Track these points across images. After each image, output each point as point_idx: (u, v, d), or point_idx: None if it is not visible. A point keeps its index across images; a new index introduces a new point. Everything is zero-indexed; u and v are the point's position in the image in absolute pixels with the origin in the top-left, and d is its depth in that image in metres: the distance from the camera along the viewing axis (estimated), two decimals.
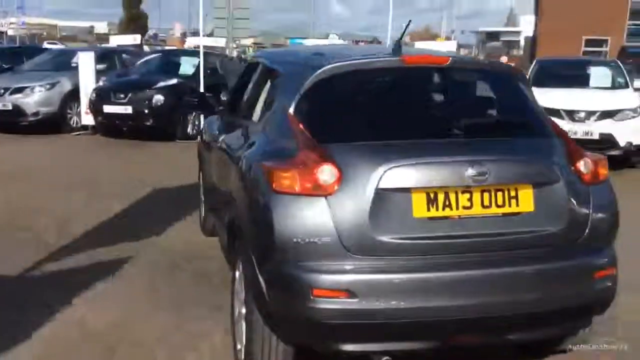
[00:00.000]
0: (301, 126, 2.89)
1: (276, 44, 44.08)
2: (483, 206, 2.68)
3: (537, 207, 2.72)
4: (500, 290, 2.64)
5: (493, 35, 60.99)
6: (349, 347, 2.64)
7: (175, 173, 7.97)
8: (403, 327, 2.57)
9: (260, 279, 2.75)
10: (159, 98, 11.02)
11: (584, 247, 2.80)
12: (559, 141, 2.96)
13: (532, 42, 36.12)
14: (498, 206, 2.69)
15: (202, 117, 11.21)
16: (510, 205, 2.70)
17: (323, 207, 2.61)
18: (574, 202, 2.80)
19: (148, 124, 11.03)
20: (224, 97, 4.83)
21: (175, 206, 6.44)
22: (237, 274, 3.31)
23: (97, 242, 5.24)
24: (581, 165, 2.86)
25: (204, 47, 12.70)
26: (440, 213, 2.64)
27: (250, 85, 4.08)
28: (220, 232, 3.99)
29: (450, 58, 3.10)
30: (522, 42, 48.75)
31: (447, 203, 2.64)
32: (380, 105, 3.02)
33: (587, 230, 2.80)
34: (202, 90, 11.29)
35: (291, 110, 3.01)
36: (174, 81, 11.50)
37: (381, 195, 2.60)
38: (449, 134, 2.83)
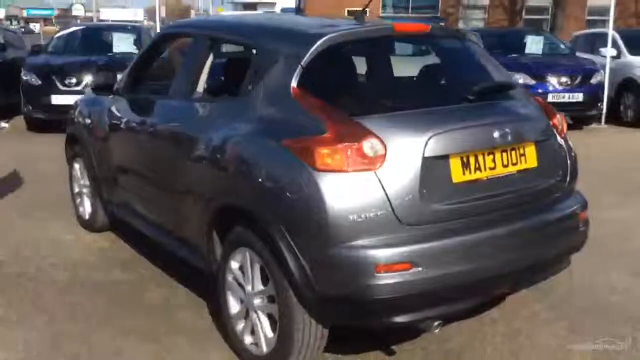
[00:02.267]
0: (314, 100, 2.75)
1: None
2: (503, 165, 2.85)
3: (539, 162, 2.98)
4: (529, 241, 2.85)
5: (250, 6, 62.27)
6: (402, 319, 2.64)
7: None
8: (458, 289, 2.64)
9: (304, 263, 2.59)
10: None
11: (570, 194, 3.15)
12: (534, 100, 3.26)
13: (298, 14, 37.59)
14: (513, 164, 2.88)
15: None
16: (521, 163, 2.91)
17: (374, 181, 2.55)
18: (560, 154, 3.13)
19: None
20: (125, 76, 4.27)
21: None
22: (232, 265, 3.07)
23: None
24: (557, 120, 3.19)
25: None
26: (473, 176, 2.75)
27: (187, 62, 3.68)
28: (178, 224, 3.58)
29: (430, 26, 3.18)
30: None
31: (477, 166, 2.76)
32: (390, 75, 3.00)
33: (568, 178, 3.15)
34: None
35: (294, 84, 2.83)
36: None
37: (426, 163, 2.62)
38: (465, 99, 2.92)
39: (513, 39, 12.14)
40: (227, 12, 32.12)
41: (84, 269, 4.20)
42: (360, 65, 3.06)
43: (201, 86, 3.58)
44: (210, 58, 3.58)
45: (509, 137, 2.83)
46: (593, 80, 10.47)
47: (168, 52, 5.61)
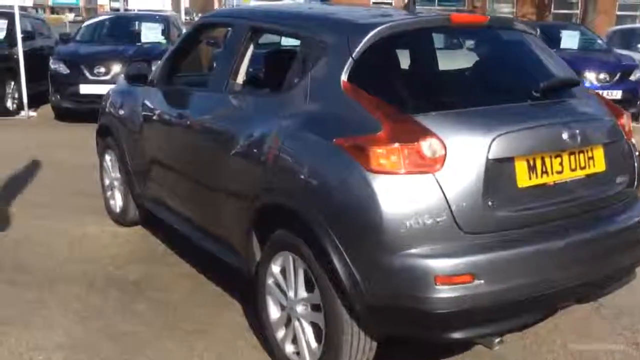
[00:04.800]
0: (366, 95, 2.56)
1: None
2: (571, 169, 2.63)
3: (607, 166, 2.76)
4: (598, 251, 2.64)
5: None
6: (461, 335, 2.44)
7: (10, 160, 6.77)
8: (522, 303, 2.45)
9: (354, 271, 2.41)
10: None
11: (637, 201, 2.92)
12: (600, 98, 3.03)
13: None
14: (581, 168, 2.67)
15: (24, 89, 9.75)
16: (589, 167, 2.70)
17: (433, 184, 2.35)
18: (627, 157, 2.90)
19: None
20: (160, 67, 4.12)
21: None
22: (273, 268, 2.90)
23: None
24: (624, 120, 2.96)
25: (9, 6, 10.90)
26: (540, 180, 2.55)
27: (226, 53, 3.51)
28: (215, 221, 3.43)
29: (488, 17, 2.97)
30: None
31: (544, 169, 2.55)
32: (443, 69, 2.79)
33: (636, 183, 2.92)
34: (21, 58, 9.77)
35: (344, 77, 2.65)
36: None
37: (490, 166, 2.42)
38: (529, 96, 2.70)
39: (548, 33, 11.79)
40: (253, 3, 31.93)
41: (111, 264, 4.07)
42: (407, 58, 2.86)
43: (241, 79, 3.40)
44: (251, 49, 3.40)
45: (578, 139, 2.61)
46: (632, 77, 10.12)
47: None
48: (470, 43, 3.40)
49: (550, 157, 2.58)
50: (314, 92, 2.76)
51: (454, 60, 3.35)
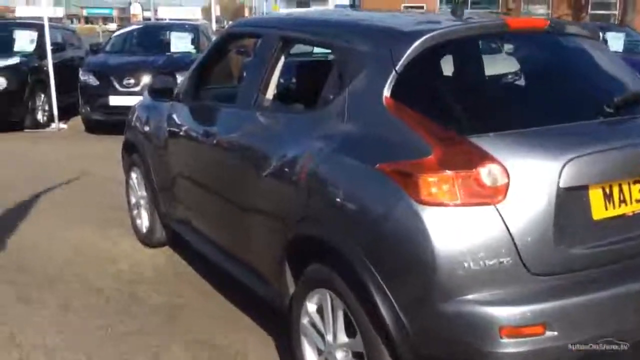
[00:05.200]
0: (413, 113, 2.26)
1: None
2: None
3: None
4: None
5: (303, 3, 62.05)
6: None
7: (41, 173, 6.62)
8: (598, 356, 2.10)
9: (403, 318, 2.10)
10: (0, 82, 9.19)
11: None
12: None
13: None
14: None
15: (54, 101, 9.66)
16: None
17: (494, 218, 2.03)
18: None
19: None
20: (186, 80, 3.86)
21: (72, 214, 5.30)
22: (308, 306, 2.60)
23: None
24: None
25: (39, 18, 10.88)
26: (617, 211, 2.20)
27: (255, 65, 3.24)
28: (244, 247, 3.16)
29: (549, 21, 2.63)
30: None
31: (622, 198, 2.21)
32: (497, 81, 2.47)
33: None
34: (51, 70, 9.69)
35: (386, 93, 2.34)
36: (15, 60, 9.68)
37: (561, 196, 2.08)
38: (602, 113, 2.36)
39: None
40: (282, 10, 31.81)
41: (136, 286, 3.83)
42: (457, 70, 2.53)
43: (271, 93, 3.12)
44: (282, 61, 3.12)
45: None
46: None
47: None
48: (509, 47, 3.04)
49: (629, 184, 2.23)
50: (352, 110, 2.46)
51: (493, 66, 3.02)
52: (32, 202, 5.62)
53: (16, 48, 10.26)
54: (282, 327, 2.94)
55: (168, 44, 10.34)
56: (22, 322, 3.39)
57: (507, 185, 2.04)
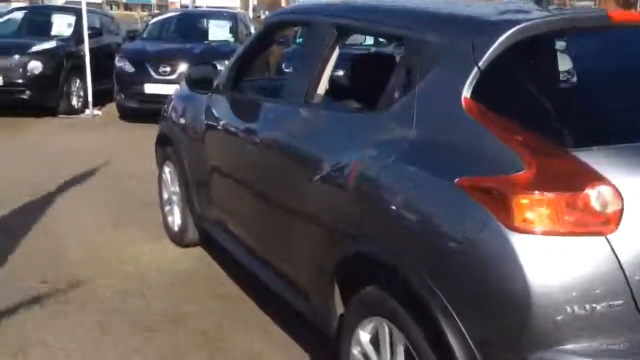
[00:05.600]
0: (500, 119, 1.89)
1: None
2: None
3: None
4: None
5: None
6: None
7: (72, 164, 6.40)
8: None
9: None
10: (35, 65, 9.02)
11: None
12: None
13: None
14: None
15: (89, 87, 9.45)
16: None
17: (604, 251, 1.67)
18: None
19: (24, 97, 9.01)
20: (227, 71, 3.53)
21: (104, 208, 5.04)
22: (361, 335, 2.27)
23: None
24: None
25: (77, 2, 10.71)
26: None
27: (305, 58, 2.89)
28: (285, 259, 2.84)
29: None
30: None
31: None
32: (608, 84, 2.08)
33: None
34: (87, 55, 9.49)
35: (466, 94, 1.98)
36: (52, 44, 9.51)
37: None
38: None
39: None
40: None
41: (161, 296, 3.54)
42: (587, 67, 2.14)
43: (323, 89, 2.78)
44: (336, 53, 2.77)
45: None
46: None
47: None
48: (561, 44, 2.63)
49: None
50: (422, 113, 2.10)
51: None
52: (61, 196, 5.40)
53: (53, 32, 10.13)
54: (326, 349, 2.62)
55: (206, 32, 10.09)
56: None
57: (620, 212, 1.67)
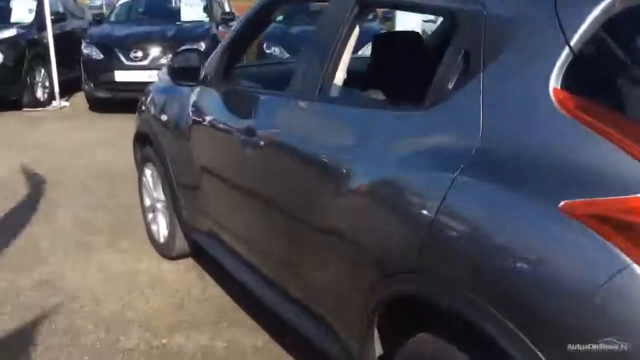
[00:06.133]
0: (612, 116, 1.41)
1: None
2: None
3: None
4: None
5: None
6: None
7: (41, 166, 5.81)
8: None
9: None
10: None
11: None
12: None
13: None
14: None
15: (54, 77, 8.76)
16: None
17: None
18: None
19: None
20: (216, 58, 2.98)
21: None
22: None
23: None
24: None
25: None
26: None
27: (317, 40, 2.35)
28: (301, 286, 2.36)
29: None
30: None
31: None
32: None
33: None
34: (51, 42, 8.78)
35: (554, 83, 1.49)
36: (12, 32, 8.78)
37: None
38: None
39: None
40: None
41: (145, 327, 3.03)
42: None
43: (341, 78, 2.26)
44: (356, 33, 2.25)
45: None
46: None
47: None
48: None
49: None
50: (493, 111, 1.60)
51: None
52: (32, 204, 4.82)
53: (13, 19, 9.36)
54: None
55: (178, 12, 9.42)
56: None
57: None
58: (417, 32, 2.77)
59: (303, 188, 2.23)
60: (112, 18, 9.63)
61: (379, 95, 2.26)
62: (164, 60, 8.05)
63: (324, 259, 2.15)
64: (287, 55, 8.13)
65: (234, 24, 9.81)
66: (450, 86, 1.73)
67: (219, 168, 2.98)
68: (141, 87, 7.91)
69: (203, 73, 2.99)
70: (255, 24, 2.93)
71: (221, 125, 2.86)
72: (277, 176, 2.40)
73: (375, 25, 9.15)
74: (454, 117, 1.69)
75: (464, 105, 1.67)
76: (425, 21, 8.97)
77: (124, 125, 4.27)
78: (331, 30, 2.26)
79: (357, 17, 2.21)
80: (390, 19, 9.46)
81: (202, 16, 9.28)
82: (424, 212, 1.64)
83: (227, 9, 10.40)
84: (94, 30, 9.13)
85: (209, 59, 3.06)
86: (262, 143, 2.44)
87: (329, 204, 2.04)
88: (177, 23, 8.98)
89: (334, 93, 2.23)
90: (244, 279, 2.84)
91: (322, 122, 2.21)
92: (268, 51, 8.28)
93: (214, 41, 8.50)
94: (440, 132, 1.72)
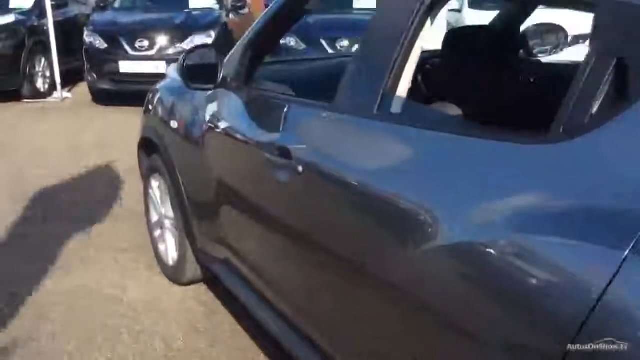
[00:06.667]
0: None
1: None
2: None
3: None
4: None
5: None
6: None
7: (40, 167, 5.32)
8: None
9: None
10: None
11: None
12: None
13: None
14: None
15: (55, 66, 8.26)
16: None
17: None
18: None
19: None
20: (237, 55, 2.45)
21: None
22: None
23: None
24: None
25: None
26: None
27: (373, 40, 1.82)
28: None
29: None
30: None
31: None
32: None
33: None
34: (51, 30, 8.27)
35: None
36: (10, 18, 8.26)
37: None
38: None
39: None
40: None
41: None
42: None
43: (404, 89, 1.74)
44: (424, 32, 1.72)
45: None
46: None
47: None
48: None
49: None
50: None
51: None
52: (46, 205, 4.33)
53: (12, 4, 8.84)
54: None
55: None
56: None
57: None
58: (515, 26, 2.21)
59: (356, 230, 1.71)
60: (117, 4, 9.09)
61: (466, 117, 1.74)
62: (171, 51, 7.63)
63: (377, 324, 1.64)
64: (303, 46, 7.59)
65: (245, 11, 9.52)
66: (593, 110, 1.20)
67: (241, 189, 2.48)
68: (147, 79, 7.49)
69: (222, 74, 2.46)
70: (285, 14, 2.37)
71: (245, 138, 2.35)
72: (318, 209, 1.89)
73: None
74: (608, 155, 1.17)
75: (622, 140, 1.14)
76: (450, 10, 8.30)
77: (131, 119, 3.80)
78: (394, 26, 1.73)
79: (427, 11, 1.68)
80: None
81: (212, 3, 8.75)
82: (571, 304, 1.11)
83: None
84: (98, 18, 8.59)
85: (228, 56, 2.54)
86: (299, 168, 1.92)
87: (395, 260, 1.53)
88: (186, 10, 8.46)
89: (399, 108, 1.71)
90: (258, 314, 2.35)
91: (385, 147, 1.68)
92: (282, 42, 7.73)
93: (224, 30, 8.06)
94: (586, 178, 1.19)
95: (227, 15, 8.49)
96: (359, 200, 1.70)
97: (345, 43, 7.63)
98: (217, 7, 8.66)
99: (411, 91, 1.75)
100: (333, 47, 7.60)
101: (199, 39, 7.67)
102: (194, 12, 8.39)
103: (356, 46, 1.86)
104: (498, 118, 1.59)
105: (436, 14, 1.72)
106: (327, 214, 1.84)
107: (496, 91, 1.76)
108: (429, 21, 1.71)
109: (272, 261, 2.35)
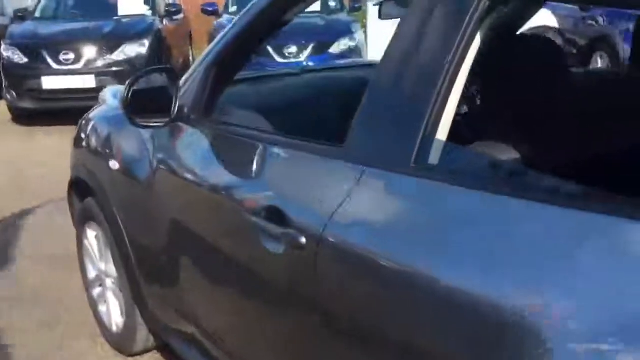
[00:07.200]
0: None
1: None
2: None
3: None
4: None
5: None
6: None
7: None
8: None
9: None
10: None
11: None
12: None
13: None
14: None
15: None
16: None
17: None
18: None
19: None
20: (197, 78, 1.86)
21: None
22: None
23: None
24: None
25: None
26: None
27: (405, 55, 1.29)
28: None
29: None
30: None
31: None
32: None
33: None
34: None
35: None
36: None
37: None
38: None
39: None
40: None
41: None
42: None
43: (445, 131, 1.23)
44: (477, 48, 1.23)
45: None
46: None
47: None
48: None
49: None
50: None
51: None
52: None
53: None
54: None
55: (114, 5, 8.21)
56: None
57: None
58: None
59: (397, 333, 1.20)
60: (38, 14, 8.28)
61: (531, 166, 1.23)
62: (100, 63, 7.06)
63: None
64: (277, 57, 7.05)
65: (180, 18, 8.88)
66: None
67: (208, 249, 1.92)
68: (74, 95, 6.79)
69: (177, 105, 1.88)
70: (260, 26, 1.81)
71: (210, 189, 1.80)
72: (331, 292, 1.36)
73: (343, 16, 8.19)
74: None
75: None
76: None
77: (59, 141, 3.20)
78: (433, 42, 1.23)
79: (483, 16, 1.19)
80: (358, 9, 8.41)
81: (144, 9, 8.13)
82: None
83: (171, 0, 9.24)
84: (16, 29, 7.80)
85: (184, 81, 1.97)
86: (301, 239, 1.38)
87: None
88: (115, 18, 7.82)
89: (447, 161, 1.20)
90: None
91: (433, 216, 1.17)
92: None
93: (159, 38, 7.50)
94: None
95: (162, 22, 7.89)
96: (401, 292, 1.18)
97: (294, 50, 7.18)
98: (149, 13, 8.03)
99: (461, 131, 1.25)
100: (281, 54, 7.14)
101: (130, 49, 7.15)
102: (124, 20, 7.77)
103: (372, 73, 1.33)
104: (594, 172, 1.11)
105: (488, 29, 1.23)
106: (347, 299, 1.31)
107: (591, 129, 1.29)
108: (477, 38, 1.21)
109: (246, 340, 1.82)
